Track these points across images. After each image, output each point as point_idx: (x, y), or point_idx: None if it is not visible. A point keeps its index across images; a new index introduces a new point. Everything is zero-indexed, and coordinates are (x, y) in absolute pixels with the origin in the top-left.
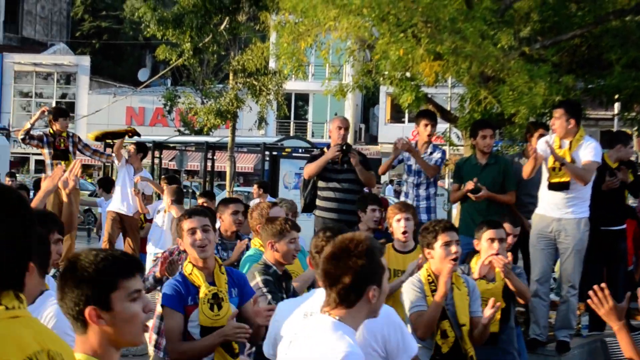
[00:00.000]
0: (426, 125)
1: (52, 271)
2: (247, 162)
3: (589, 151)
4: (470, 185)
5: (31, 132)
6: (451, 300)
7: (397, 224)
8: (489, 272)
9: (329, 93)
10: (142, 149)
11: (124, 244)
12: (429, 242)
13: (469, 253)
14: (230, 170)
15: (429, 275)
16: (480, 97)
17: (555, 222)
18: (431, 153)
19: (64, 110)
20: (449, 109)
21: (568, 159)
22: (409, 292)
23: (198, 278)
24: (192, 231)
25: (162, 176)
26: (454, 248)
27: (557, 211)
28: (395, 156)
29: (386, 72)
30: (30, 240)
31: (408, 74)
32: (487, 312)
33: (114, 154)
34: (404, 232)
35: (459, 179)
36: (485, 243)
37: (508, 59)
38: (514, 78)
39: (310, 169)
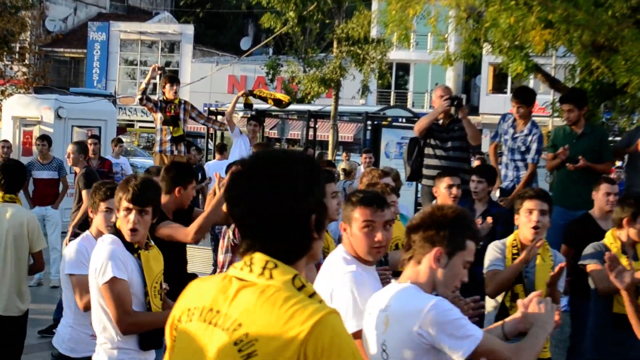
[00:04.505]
0: (516, 107)
1: None
2: (347, 132)
3: None
4: (560, 151)
5: (148, 95)
6: (532, 269)
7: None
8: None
9: (437, 62)
10: (258, 119)
11: None
12: (517, 208)
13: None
14: (332, 139)
15: (514, 240)
16: (592, 66)
17: None
18: (527, 135)
19: (175, 78)
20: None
21: None
22: (490, 253)
23: None
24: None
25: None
26: (535, 216)
27: None
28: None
29: (495, 41)
30: None
31: (517, 43)
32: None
33: (224, 120)
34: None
35: (554, 147)
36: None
37: (621, 27)
38: (627, 47)
39: (420, 124)
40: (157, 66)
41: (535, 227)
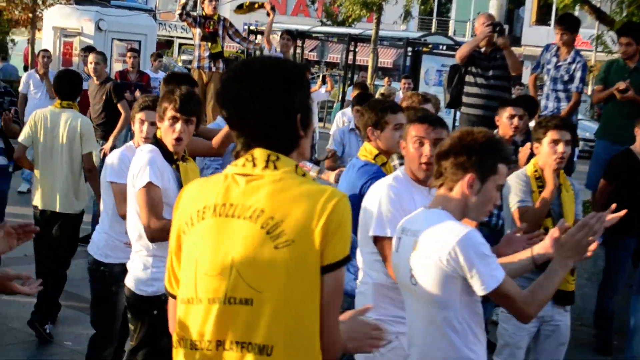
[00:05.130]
0: (559, 33)
1: None
2: (387, 57)
3: None
4: (621, 85)
5: (187, 10)
6: (558, 201)
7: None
8: None
9: None
10: (292, 34)
11: None
12: (538, 137)
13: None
14: (372, 64)
15: (535, 171)
16: None
17: None
18: (570, 63)
19: None
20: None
21: None
22: (515, 187)
23: None
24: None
25: None
26: (561, 147)
27: None
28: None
29: None
30: None
31: None
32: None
33: (263, 41)
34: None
35: (605, 80)
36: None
37: None
38: None
39: (462, 50)
40: None
41: (561, 158)
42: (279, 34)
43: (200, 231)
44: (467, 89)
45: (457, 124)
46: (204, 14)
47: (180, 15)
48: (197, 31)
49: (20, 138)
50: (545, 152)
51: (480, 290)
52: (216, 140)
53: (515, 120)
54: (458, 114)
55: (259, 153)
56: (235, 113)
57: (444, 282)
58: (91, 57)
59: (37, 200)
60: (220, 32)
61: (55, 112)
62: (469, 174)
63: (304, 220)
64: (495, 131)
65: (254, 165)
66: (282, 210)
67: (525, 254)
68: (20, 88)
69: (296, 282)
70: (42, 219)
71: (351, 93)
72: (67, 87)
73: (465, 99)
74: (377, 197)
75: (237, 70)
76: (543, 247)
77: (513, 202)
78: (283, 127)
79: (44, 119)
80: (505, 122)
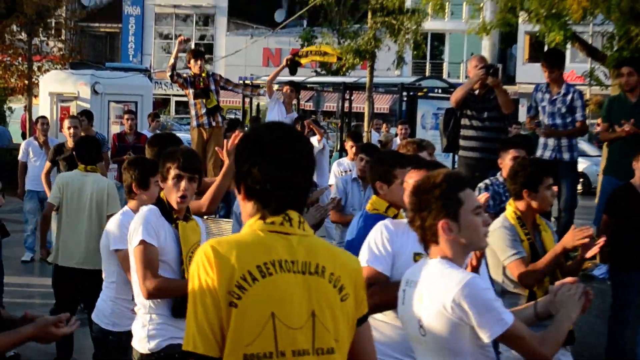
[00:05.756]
0: (545, 70)
1: None
2: (383, 103)
3: None
4: (627, 127)
5: (177, 71)
6: (540, 243)
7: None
8: None
9: (472, 31)
10: (298, 89)
11: None
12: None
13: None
14: (368, 111)
15: (518, 218)
16: (631, 34)
17: None
18: (565, 94)
19: (199, 52)
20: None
21: None
22: (501, 239)
23: None
24: None
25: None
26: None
27: None
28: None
29: (532, 9)
30: None
31: (554, 11)
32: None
33: (263, 89)
34: None
35: (608, 118)
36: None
37: None
38: None
39: (456, 94)
40: (182, 39)
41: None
42: (277, 85)
43: (270, 287)
44: (463, 132)
45: (456, 166)
46: (192, 73)
47: (171, 77)
48: (190, 91)
49: (50, 199)
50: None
51: (486, 337)
52: (204, 202)
53: None
54: (456, 157)
55: (294, 215)
56: (281, 180)
57: (452, 330)
58: (67, 122)
59: (59, 258)
60: (213, 87)
61: (82, 176)
62: (439, 222)
63: (355, 275)
64: (498, 174)
65: (291, 225)
66: (335, 266)
67: (529, 307)
68: (20, 156)
69: (351, 330)
70: (64, 275)
71: (345, 143)
72: (88, 153)
73: (462, 142)
74: (370, 236)
75: (282, 139)
76: (545, 301)
77: (505, 256)
78: (304, 193)
79: (71, 181)
80: (509, 164)
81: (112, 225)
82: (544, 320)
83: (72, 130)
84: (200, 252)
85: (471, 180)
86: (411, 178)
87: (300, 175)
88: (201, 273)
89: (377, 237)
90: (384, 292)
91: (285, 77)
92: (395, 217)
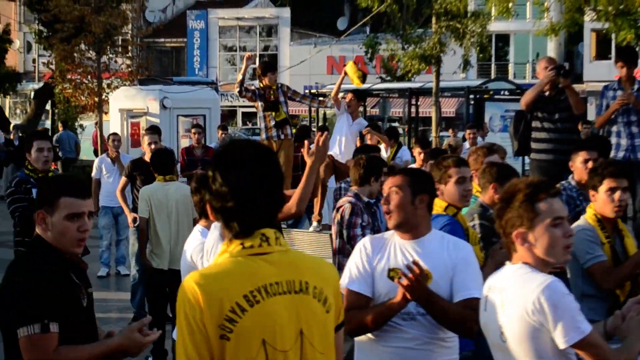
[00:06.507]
0: (621, 67)
1: None
2: (449, 107)
3: None
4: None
5: (245, 85)
6: (622, 248)
7: None
8: None
9: (541, 33)
10: (361, 97)
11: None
12: (595, 185)
13: None
14: (435, 116)
15: (599, 220)
16: None
17: None
18: (639, 89)
19: (271, 65)
20: None
21: None
22: (582, 242)
23: None
24: None
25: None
26: (618, 195)
27: None
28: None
29: (600, 7)
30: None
31: (622, 8)
32: None
33: (330, 100)
34: None
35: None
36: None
37: None
38: None
39: (526, 97)
40: (248, 55)
41: (619, 207)
42: (342, 94)
43: (259, 315)
44: (534, 134)
45: (527, 169)
46: (261, 85)
47: (240, 92)
48: (260, 103)
49: (140, 212)
50: (602, 200)
51: (562, 342)
52: (292, 203)
53: (590, 164)
54: (527, 159)
55: (269, 232)
56: (251, 202)
57: (533, 335)
58: (148, 139)
59: (158, 262)
60: (282, 98)
61: (163, 186)
62: (514, 231)
63: (334, 283)
64: (570, 176)
65: (268, 244)
66: (315, 278)
67: (599, 324)
68: (93, 174)
69: (333, 337)
70: (162, 278)
71: (412, 149)
72: (164, 164)
73: (533, 145)
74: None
75: (246, 162)
76: (615, 321)
77: (586, 259)
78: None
79: (155, 192)
80: (580, 167)
81: (210, 241)
82: (612, 339)
83: (152, 146)
84: (184, 289)
85: (554, 188)
86: (386, 185)
87: (267, 192)
88: (187, 310)
89: (357, 257)
90: (360, 316)
91: (350, 85)
92: (455, 215)
